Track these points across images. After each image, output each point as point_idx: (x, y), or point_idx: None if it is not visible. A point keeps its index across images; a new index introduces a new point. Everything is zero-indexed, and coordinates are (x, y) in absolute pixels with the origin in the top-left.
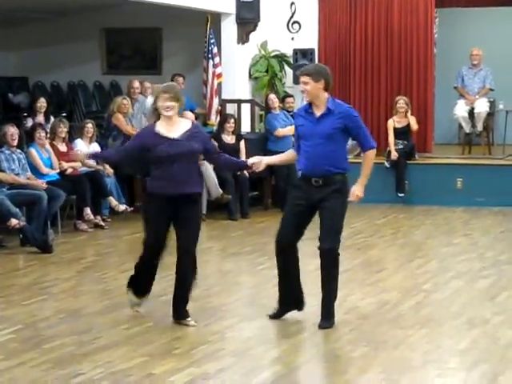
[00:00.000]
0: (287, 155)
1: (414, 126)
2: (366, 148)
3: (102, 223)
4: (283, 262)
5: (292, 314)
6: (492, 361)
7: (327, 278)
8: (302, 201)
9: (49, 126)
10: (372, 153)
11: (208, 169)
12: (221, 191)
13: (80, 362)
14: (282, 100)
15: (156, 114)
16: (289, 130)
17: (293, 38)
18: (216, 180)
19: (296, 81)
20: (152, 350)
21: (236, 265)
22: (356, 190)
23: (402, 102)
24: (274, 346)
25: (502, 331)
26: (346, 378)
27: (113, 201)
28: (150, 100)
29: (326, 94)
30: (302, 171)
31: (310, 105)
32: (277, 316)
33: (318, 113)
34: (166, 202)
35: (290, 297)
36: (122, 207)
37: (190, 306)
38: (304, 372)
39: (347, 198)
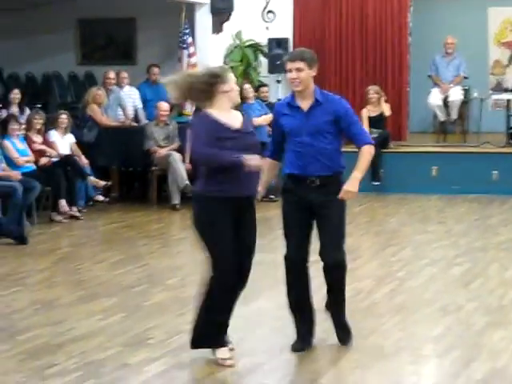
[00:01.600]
0: (270, 169)
1: (387, 112)
2: (360, 143)
3: (77, 214)
4: (295, 282)
5: (264, 304)
6: (465, 347)
7: (337, 297)
8: (299, 206)
9: (23, 117)
10: (368, 148)
11: (176, 159)
12: (187, 182)
13: (54, 352)
14: (257, 89)
15: None
16: (264, 120)
17: (267, 28)
18: (184, 171)
19: (272, 70)
20: (126, 341)
21: None
22: (348, 186)
23: (371, 91)
24: (249, 335)
25: (476, 318)
26: (320, 365)
27: (91, 179)
28: (126, 90)
29: (313, 84)
30: (291, 173)
31: (292, 97)
32: (299, 349)
33: (304, 106)
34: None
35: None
36: (102, 183)
37: (164, 296)
38: (279, 360)
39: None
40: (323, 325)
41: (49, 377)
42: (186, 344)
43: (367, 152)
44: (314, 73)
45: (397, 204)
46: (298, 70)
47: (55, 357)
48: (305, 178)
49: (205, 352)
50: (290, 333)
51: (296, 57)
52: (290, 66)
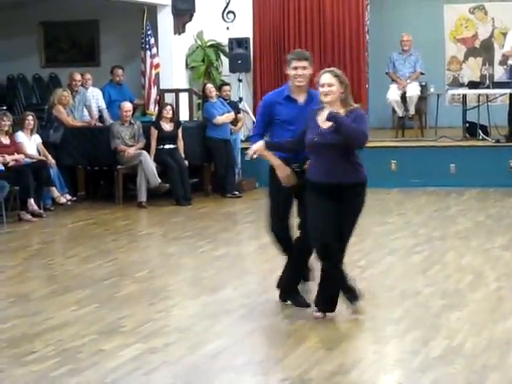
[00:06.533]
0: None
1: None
2: None
3: (43, 214)
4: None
5: (231, 293)
6: (423, 328)
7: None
8: (287, 187)
9: None
10: None
11: (147, 158)
12: (159, 180)
13: (32, 341)
14: (219, 88)
15: None
16: (227, 118)
17: (228, 28)
18: (154, 169)
19: (233, 69)
20: (101, 329)
21: (178, 248)
22: None
23: None
24: (216, 321)
25: (433, 301)
26: (285, 349)
27: (55, 192)
28: (90, 91)
29: None
30: (281, 157)
31: (287, 90)
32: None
33: (300, 99)
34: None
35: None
36: (63, 199)
37: (135, 288)
38: (246, 344)
39: None
40: (286, 312)
41: (27, 363)
42: (158, 330)
43: None
44: (312, 71)
45: None
46: (303, 68)
47: (33, 345)
48: (295, 162)
49: (176, 337)
50: (255, 319)
51: (300, 56)
52: (295, 64)
